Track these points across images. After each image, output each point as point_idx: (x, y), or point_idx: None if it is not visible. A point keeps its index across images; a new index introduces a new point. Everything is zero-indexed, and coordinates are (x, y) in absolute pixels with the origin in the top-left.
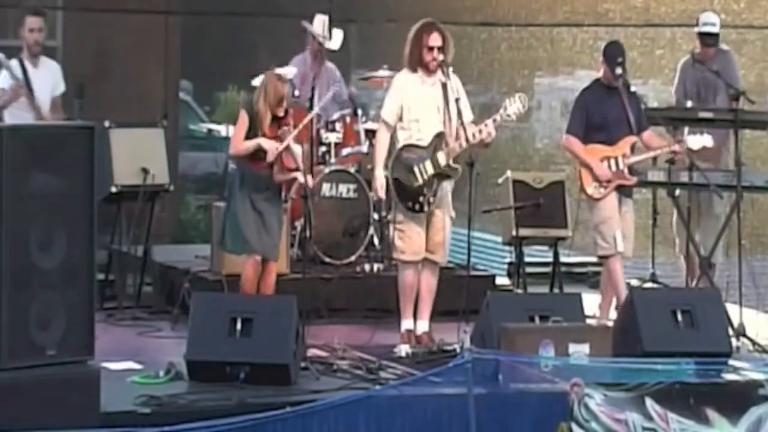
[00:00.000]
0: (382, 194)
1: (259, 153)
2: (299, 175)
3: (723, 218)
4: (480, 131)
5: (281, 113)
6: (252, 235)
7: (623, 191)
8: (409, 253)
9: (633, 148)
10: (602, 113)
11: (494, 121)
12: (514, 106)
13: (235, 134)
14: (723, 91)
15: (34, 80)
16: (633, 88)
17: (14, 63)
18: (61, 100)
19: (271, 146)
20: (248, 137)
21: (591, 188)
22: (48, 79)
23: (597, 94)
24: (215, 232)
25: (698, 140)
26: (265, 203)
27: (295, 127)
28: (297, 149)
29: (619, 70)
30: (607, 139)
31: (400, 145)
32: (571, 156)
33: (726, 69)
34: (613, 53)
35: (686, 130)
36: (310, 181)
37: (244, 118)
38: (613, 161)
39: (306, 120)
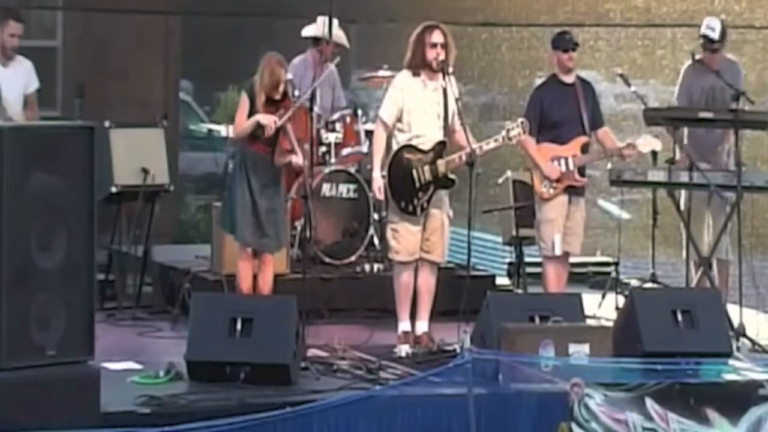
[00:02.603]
0: (380, 196)
1: (259, 133)
2: (293, 157)
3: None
4: (480, 148)
5: (277, 96)
6: (244, 223)
7: (574, 191)
8: (404, 254)
9: (584, 149)
10: (556, 112)
11: (495, 141)
12: (515, 131)
13: (237, 117)
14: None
15: (3, 79)
16: (585, 77)
17: None
18: (36, 98)
19: (268, 120)
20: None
21: (542, 188)
22: (20, 77)
23: (552, 92)
24: (216, 230)
25: (648, 144)
26: (262, 190)
27: (292, 117)
28: (291, 132)
29: (572, 54)
30: (559, 138)
31: (400, 144)
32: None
33: (732, 77)
34: (561, 38)
35: (684, 132)
36: (302, 162)
37: (244, 101)
38: (563, 161)
39: (299, 103)
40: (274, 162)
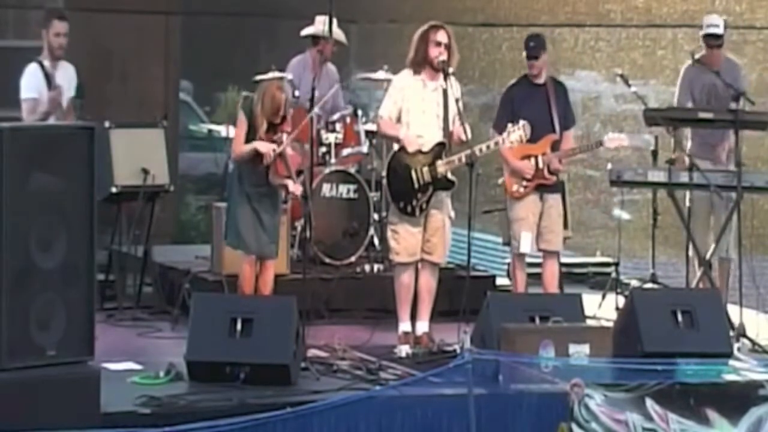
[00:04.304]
0: (416, 145)
1: (257, 158)
2: (290, 183)
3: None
4: (481, 150)
5: (278, 121)
6: (248, 233)
7: (546, 188)
8: (404, 255)
9: (554, 147)
10: (527, 111)
11: (496, 144)
12: (516, 133)
13: (235, 137)
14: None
15: (57, 80)
16: (560, 79)
17: (36, 66)
18: (72, 104)
19: (267, 150)
20: (247, 138)
21: (513, 186)
22: (66, 82)
23: (523, 91)
24: (216, 230)
25: (615, 140)
26: (262, 199)
27: (293, 130)
28: (291, 153)
29: (534, 63)
30: (530, 137)
31: (399, 145)
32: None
33: (733, 78)
34: (527, 45)
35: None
36: (299, 190)
37: (242, 121)
38: (533, 160)
39: (303, 123)
40: (269, 178)
